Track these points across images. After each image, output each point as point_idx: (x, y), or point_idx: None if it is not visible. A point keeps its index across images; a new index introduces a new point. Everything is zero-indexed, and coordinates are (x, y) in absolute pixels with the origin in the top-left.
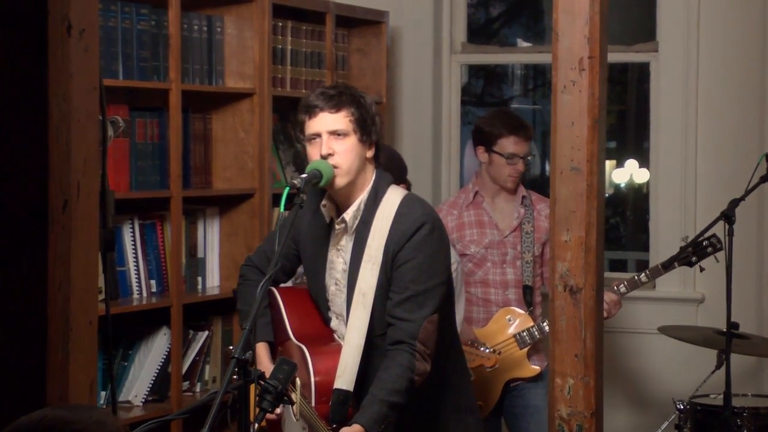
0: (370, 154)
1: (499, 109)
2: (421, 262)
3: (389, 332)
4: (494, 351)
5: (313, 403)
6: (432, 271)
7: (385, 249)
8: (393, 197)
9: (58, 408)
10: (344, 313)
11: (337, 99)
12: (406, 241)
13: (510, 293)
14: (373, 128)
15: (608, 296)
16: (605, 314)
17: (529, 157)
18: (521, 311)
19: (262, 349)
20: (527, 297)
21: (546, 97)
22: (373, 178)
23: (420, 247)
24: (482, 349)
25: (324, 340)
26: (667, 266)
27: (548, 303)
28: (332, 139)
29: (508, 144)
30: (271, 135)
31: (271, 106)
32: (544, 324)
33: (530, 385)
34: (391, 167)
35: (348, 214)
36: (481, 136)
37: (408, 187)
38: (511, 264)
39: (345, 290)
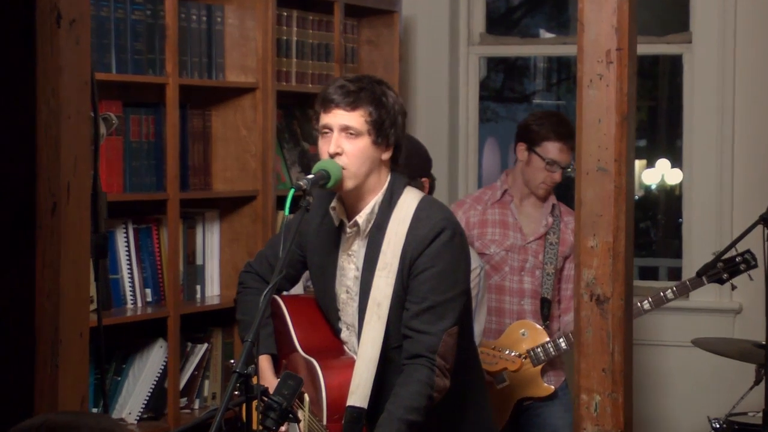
0: (386, 156)
1: (553, 112)
2: (441, 270)
3: (406, 345)
4: (520, 355)
5: (324, 421)
6: (452, 281)
7: (402, 255)
8: (409, 200)
9: (62, 413)
10: (356, 324)
11: (355, 96)
12: (425, 248)
13: (526, 304)
14: (392, 130)
15: None
16: None
17: (569, 169)
18: (537, 325)
19: (265, 363)
20: (544, 310)
21: (571, 92)
22: (388, 180)
23: (440, 255)
24: (507, 351)
25: (334, 352)
26: (696, 284)
27: (574, 314)
28: (343, 136)
29: (553, 149)
30: (275, 133)
31: (275, 101)
32: (561, 341)
33: (546, 404)
34: (414, 160)
35: (361, 217)
36: (526, 132)
37: (432, 181)
38: (530, 273)
39: (357, 299)
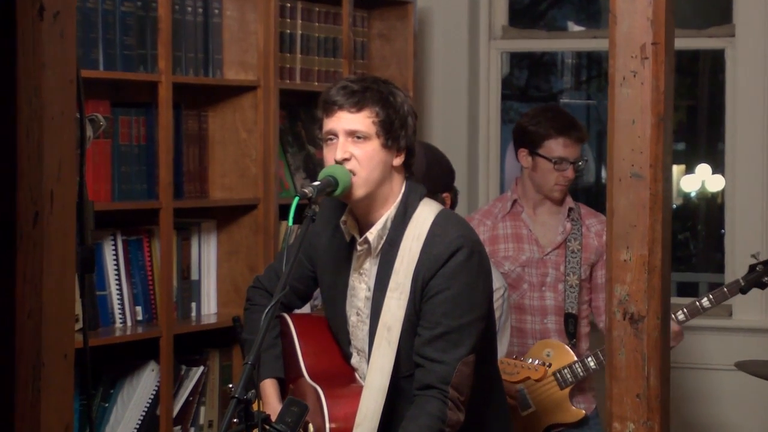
0: (398, 161)
1: (546, 106)
2: (456, 293)
3: (417, 374)
4: (543, 363)
5: None
6: (469, 304)
7: (414, 276)
8: (425, 214)
9: None
10: (366, 349)
11: (360, 96)
12: (440, 268)
13: (549, 322)
14: (403, 132)
15: None
16: None
17: (580, 163)
18: (563, 344)
19: (270, 388)
20: (569, 327)
21: (602, 90)
22: (402, 190)
23: (455, 276)
24: (529, 360)
25: (343, 379)
26: (734, 289)
27: (599, 335)
28: (350, 141)
29: (557, 147)
30: (277, 135)
31: (277, 101)
32: (589, 360)
33: (576, 431)
34: (435, 172)
35: (371, 234)
36: (524, 136)
37: (454, 195)
38: (551, 287)
39: (368, 321)
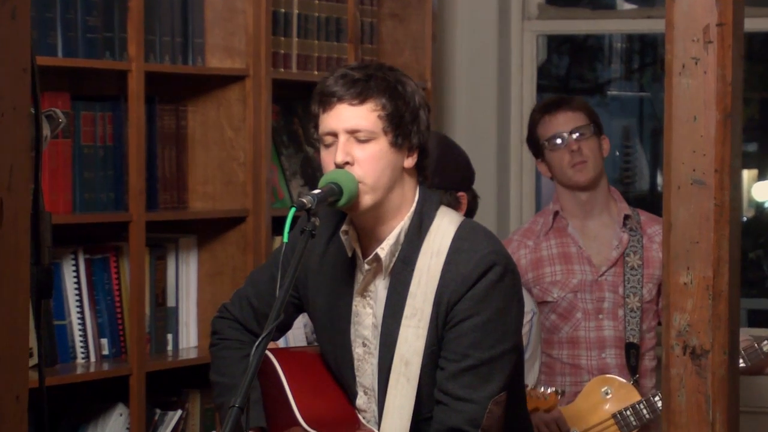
0: (409, 163)
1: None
2: (487, 319)
3: (438, 414)
4: (556, 390)
5: None
6: (501, 333)
7: (436, 299)
8: (445, 225)
9: None
10: (376, 387)
11: (363, 85)
12: (467, 290)
13: (608, 356)
14: (414, 127)
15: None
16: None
17: (579, 131)
18: (623, 380)
19: None
20: (631, 360)
21: (658, 80)
22: (416, 198)
23: (486, 299)
24: (541, 389)
25: (348, 425)
26: None
27: (661, 371)
28: (352, 141)
29: (545, 127)
30: (270, 134)
31: (270, 94)
32: (656, 399)
33: None
34: (450, 167)
35: (383, 250)
36: (529, 142)
37: (472, 199)
38: (610, 314)
39: (377, 354)
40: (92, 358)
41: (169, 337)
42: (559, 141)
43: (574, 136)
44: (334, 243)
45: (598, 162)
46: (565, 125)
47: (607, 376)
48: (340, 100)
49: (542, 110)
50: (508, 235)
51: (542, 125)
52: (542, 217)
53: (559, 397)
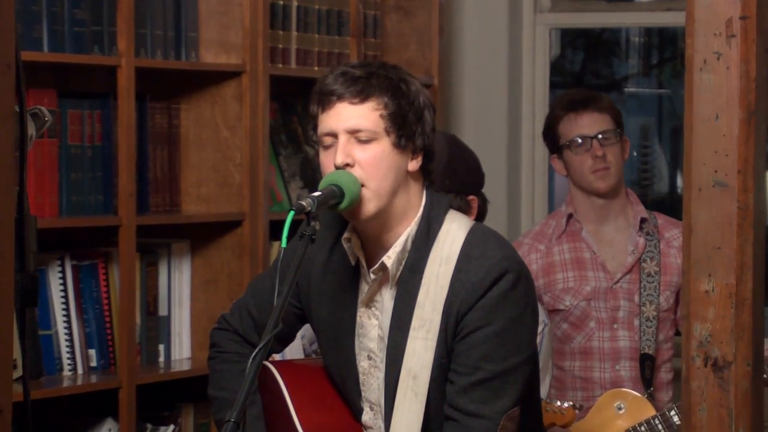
0: (413, 166)
1: (562, 94)
2: (499, 329)
3: (448, 431)
4: (573, 405)
5: None
6: (515, 344)
7: (446, 309)
8: (454, 231)
9: None
10: (382, 402)
11: (364, 83)
12: (478, 299)
13: (623, 368)
14: (419, 128)
15: None
16: None
17: (604, 136)
18: (637, 394)
19: None
20: (646, 372)
21: (678, 77)
22: (423, 202)
23: (498, 309)
24: (557, 403)
25: None
26: None
27: (681, 384)
28: (353, 142)
29: (569, 126)
30: (268, 134)
31: (268, 91)
32: (672, 414)
33: None
34: (460, 170)
35: (390, 258)
36: (545, 136)
37: (482, 203)
38: (625, 324)
39: (383, 367)
40: (79, 370)
41: (161, 347)
42: (583, 143)
43: (600, 140)
44: (337, 251)
45: (620, 168)
46: (590, 127)
47: (621, 390)
48: (340, 98)
49: (567, 107)
50: (520, 238)
51: (565, 123)
52: (554, 220)
53: (577, 411)
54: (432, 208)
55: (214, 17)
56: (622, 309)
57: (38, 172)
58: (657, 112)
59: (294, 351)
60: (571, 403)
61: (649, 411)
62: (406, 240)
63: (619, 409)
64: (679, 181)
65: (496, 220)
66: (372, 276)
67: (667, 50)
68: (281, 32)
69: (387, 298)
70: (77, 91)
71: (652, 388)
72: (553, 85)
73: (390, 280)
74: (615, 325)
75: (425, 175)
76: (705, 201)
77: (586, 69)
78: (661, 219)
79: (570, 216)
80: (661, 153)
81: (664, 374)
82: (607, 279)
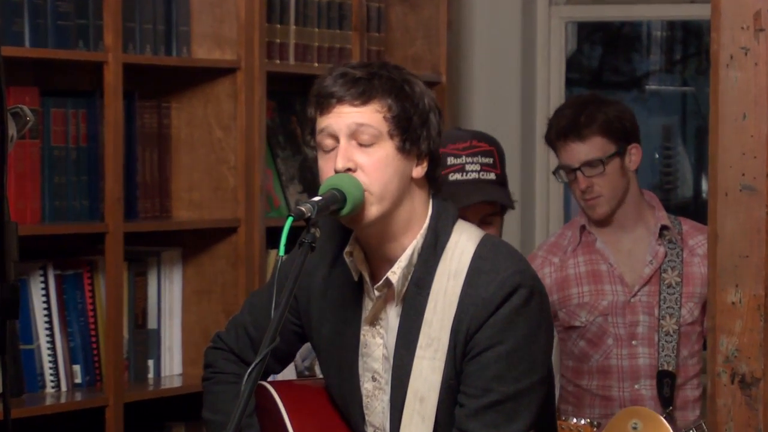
0: (418, 172)
1: (570, 99)
2: (512, 348)
3: None
4: (591, 423)
5: None
6: (529, 363)
7: (454, 327)
8: (463, 243)
9: None
10: (387, 426)
11: (365, 84)
12: (490, 316)
13: (643, 387)
14: (424, 132)
15: None
16: None
17: (587, 167)
18: (654, 413)
19: None
20: (664, 390)
21: (703, 74)
22: (429, 212)
23: (511, 325)
24: (573, 420)
25: None
26: None
27: (706, 402)
28: (354, 146)
29: (559, 152)
30: (264, 134)
31: (264, 88)
32: None
33: None
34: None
35: (395, 274)
36: (546, 141)
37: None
38: (645, 340)
39: (388, 389)
40: (63, 387)
41: (150, 363)
42: (568, 174)
43: (584, 171)
44: (339, 265)
45: (615, 192)
46: (574, 159)
47: (637, 407)
48: (340, 101)
49: (557, 132)
50: (533, 249)
51: (557, 145)
52: (570, 230)
53: (595, 429)
54: (439, 219)
55: (206, 10)
56: (641, 324)
57: (19, 175)
58: (680, 111)
59: (286, 370)
60: (588, 420)
61: (665, 431)
62: (412, 253)
63: (635, 427)
64: (704, 185)
65: (508, 229)
66: (376, 293)
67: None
68: (279, 26)
69: (392, 315)
70: (61, 89)
71: (671, 407)
72: (569, 83)
73: (395, 297)
74: (634, 342)
75: (431, 183)
76: (732, 206)
77: (604, 65)
78: (687, 225)
79: (583, 227)
80: (685, 155)
81: (690, 391)
82: (625, 292)
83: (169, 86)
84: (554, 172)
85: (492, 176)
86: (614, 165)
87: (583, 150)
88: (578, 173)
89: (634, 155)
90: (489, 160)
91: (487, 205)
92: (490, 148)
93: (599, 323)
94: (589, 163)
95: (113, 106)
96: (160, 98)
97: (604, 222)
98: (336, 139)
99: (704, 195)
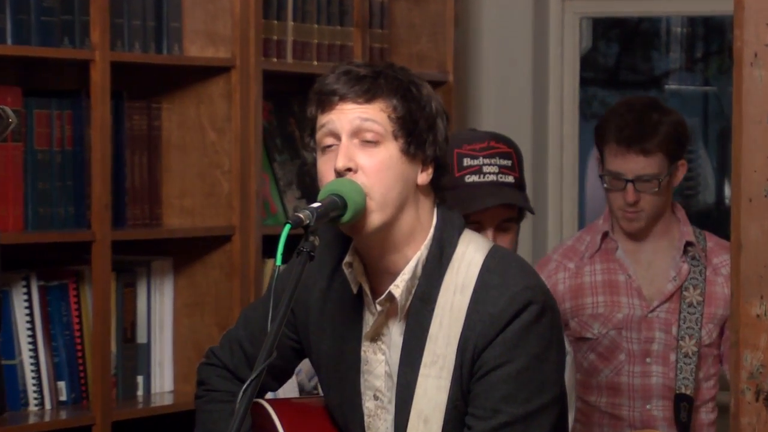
0: (423, 179)
1: (627, 100)
2: (522, 367)
3: None
4: None
5: None
6: (540, 383)
7: (461, 344)
8: (470, 255)
9: None
10: None
11: (370, 83)
12: (498, 333)
13: (655, 407)
14: (430, 137)
15: None
16: None
17: (642, 181)
18: None
19: None
20: (681, 415)
21: (725, 72)
22: (434, 222)
23: (520, 344)
24: None
25: None
26: None
27: (729, 420)
28: (356, 145)
29: (611, 156)
30: (260, 137)
31: (260, 88)
32: None
33: None
34: None
35: (398, 287)
36: (596, 129)
37: None
38: (660, 359)
39: (392, 408)
40: (47, 405)
41: (140, 379)
42: (619, 183)
43: (636, 185)
44: (338, 277)
45: (656, 211)
46: (629, 170)
47: (651, 430)
48: (343, 98)
49: (618, 134)
50: (544, 256)
51: (610, 149)
52: (590, 235)
53: None
54: (444, 229)
55: (199, 5)
56: (656, 341)
57: (1, 180)
58: (702, 112)
59: (288, 388)
60: None
61: None
62: (416, 266)
63: None
64: (727, 191)
65: (519, 235)
66: (378, 307)
67: (713, 42)
68: (276, 22)
69: (395, 331)
70: (45, 89)
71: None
72: (584, 83)
73: (398, 312)
74: (648, 359)
75: (436, 191)
76: (756, 213)
77: (621, 64)
78: (711, 241)
79: (606, 234)
80: (707, 159)
81: (705, 415)
82: (642, 306)
83: (160, 86)
84: (600, 176)
85: (510, 179)
86: (666, 182)
87: (642, 163)
88: (629, 185)
89: (680, 171)
90: (507, 162)
91: (506, 209)
92: (509, 150)
93: (612, 337)
94: (646, 178)
95: (100, 107)
96: (150, 99)
97: (636, 236)
98: (337, 137)
99: (727, 201)
